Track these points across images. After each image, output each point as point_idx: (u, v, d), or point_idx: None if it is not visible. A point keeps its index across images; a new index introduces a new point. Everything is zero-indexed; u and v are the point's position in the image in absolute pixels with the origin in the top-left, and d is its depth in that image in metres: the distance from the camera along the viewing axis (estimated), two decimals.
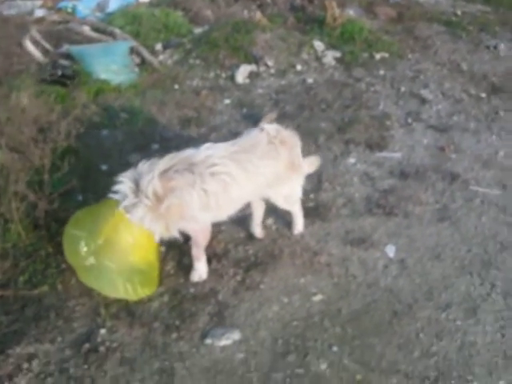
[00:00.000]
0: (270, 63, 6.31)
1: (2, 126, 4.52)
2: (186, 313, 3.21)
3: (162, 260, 3.56)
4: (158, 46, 6.69)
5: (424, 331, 3.08)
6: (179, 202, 3.06)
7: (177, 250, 3.63)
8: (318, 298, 3.29)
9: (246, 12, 7.62)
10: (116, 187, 3.12)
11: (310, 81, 6.05)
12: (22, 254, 3.54)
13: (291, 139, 3.51)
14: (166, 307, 3.26)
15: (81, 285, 3.29)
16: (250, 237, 3.78)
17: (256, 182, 3.30)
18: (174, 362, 2.92)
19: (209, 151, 3.21)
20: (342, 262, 3.56)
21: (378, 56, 6.64)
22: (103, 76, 5.68)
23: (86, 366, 2.90)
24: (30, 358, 2.95)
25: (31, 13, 7.33)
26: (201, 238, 3.38)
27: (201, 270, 3.43)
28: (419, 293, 3.33)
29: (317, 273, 3.47)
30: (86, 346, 3.01)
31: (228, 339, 3.02)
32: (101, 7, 7.56)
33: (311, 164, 3.84)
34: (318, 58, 6.52)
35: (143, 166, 3.13)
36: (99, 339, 3.06)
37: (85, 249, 3.22)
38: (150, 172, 3.06)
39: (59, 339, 3.05)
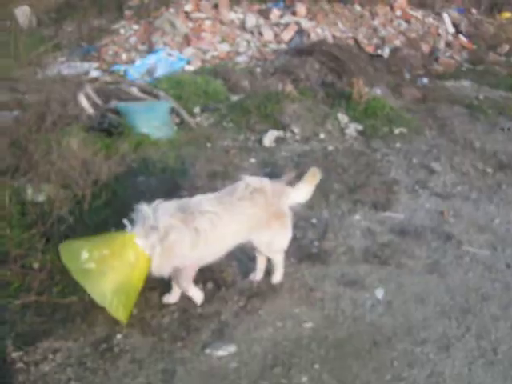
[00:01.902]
0: (296, 130, 6.95)
1: (53, 164, 5.23)
2: (191, 327, 3.69)
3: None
4: (197, 109, 7.43)
5: (398, 360, 3.48)
6: (177, 239, 3.57)
7: None
8: (308, 325, 3.73)
9: (280, 85, 8.33)
10: (135, 214, 3.66)
11: (330, 148, 6.64)
12: (58, 269, 4.09)
13: (273, 189, 3.93)
14: (175, 322, 3.75)
15: None
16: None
17: (238, 222, 3.77)
18: (176, 364, 3.39)
19: (201, 197, 3.81)
20: (334, 298, 4.00)
21: (397, 131, 7.22)
22: (144, 130, 6.38)
23: (101, 361, 3.40)
24: (55, 351, 3.46)
25: (87, 73, 8.20)
26: (189, 275, 3.79)
27: (197, 296, 3.86)
28: (400, 329, 3.73)
29: (310, 305, 3.92)
30: (103, 345, 3.52)
31: (225, 351, 3.48)
32: (150, 72, 8.40)
33: (309, 181, 4.19)
34: (341, 129, 7.14)
35: (157, 204, 3.69)
36: (115, 342, 3.56)
37: (86, 255, 3.46)
38: (163, 209, 3.63)
39: (81, 339, 3.56)
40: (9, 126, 6.24)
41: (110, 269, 3.48)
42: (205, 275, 4.12)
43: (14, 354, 3.41)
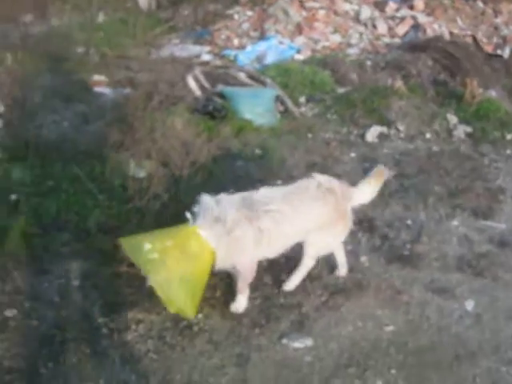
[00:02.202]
0: (401, 128, 6.75)
1: (155, 142, 5.41)
2: (271, 316, 3.70)
3: (263, 272, 4.10)
4: (302, 99, 7.39)
5: (481, 377, 3.30)
6: (241, 235, 3.53)
7: (276, 266, 4.15)
8: (389, 328, 3.63)
9: (389, 80, 8.11)
10: (197, 206, 3.60)
11: (435, 149, 6.39)
12: None
13: (341, 190, 3.86)
14: (256, 308, 3.77)
15: None
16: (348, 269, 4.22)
17: (304, 221, 3.71)
18: (251, 350, 3.41)
19: (266, 192, 3.72)
20: (420, 304, 3.86)
21: (509, 136, 6.83)
22: (247, 116, 6.44)
23: (179, 338, 3.48)
24: (138, 322, 3.58)
25: (199, 56, 8.39)
26: (248, 274, 3.70)
27: (241, 302, 3.73)
28: (486, 345, 3.54)
29: (395, 308, 3.81)
30: (184, 323, 3.60)
31: (301, 343, 3.46)
32: (259, 59, 8.45)
33: (379, 180, 4.09)
34: (449, 130, 6.85)
35: (221, 197, 3.64)
36: (195, 321, 3.62)
37: (149, 246, 3.43)
38: (228, 202, 3.60)
39: (164, 313, 3.63)
40: (119, 103, 6.54)
41: (173, 259, 3.43)
42: (290, 265, 4.11)
43: (100, 320, 3.57)
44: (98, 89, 7.15)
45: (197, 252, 3.48)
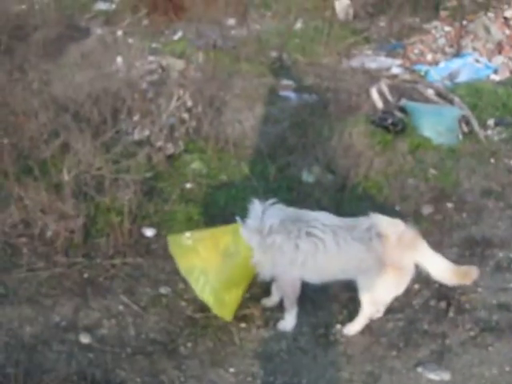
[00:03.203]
0: None
1: (329, 149, 5.49)
2: (411, 341, 3.58)
3: (412, 295, 3.97)
4: (490, 122, 6.93)
5: None
6: (277, 245, 3.44)
7: (427, 291, 3.99)
8: None
9: None
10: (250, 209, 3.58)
11: None
12: None
13: (400, 237, 3.46)
14: (397, 330, 3.68)
15: None
16: (504, 306, 3.91)
17: (344, 261, 3.46)
18: (383, 371, 3.33)
19: (318, 216, 3.55)
20: None
21: None
22: (427, 133, 6.21)
23: (314, 344, 3.53)
24: (276, 320, 3.69)
25: (389, 69, 8.28)
26: (289, 291, 3.60)
27: (288, 321, 3.64)
28: None
29: None
30: (321, 330, 3.65)
31: (437, 375, 3.29)
32: (451, 76, 8.10)
33: (460, 275, 3.56)
34: None
35: (273, 205, 3.58)
36: (333, 331, 3.66)
37: (188, 235, 3.57)
38: (278, 211, 3.55)
39: (304, 318, 3.71)
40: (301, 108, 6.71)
41: (205, 249, 3.47)
42: (441, 292, 3.93)
43: (247, 312, 3.72)
44: (284, 93, 7.37)
45: (231, 246, 3.49)
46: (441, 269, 3.53)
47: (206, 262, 3.47)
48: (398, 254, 3.45)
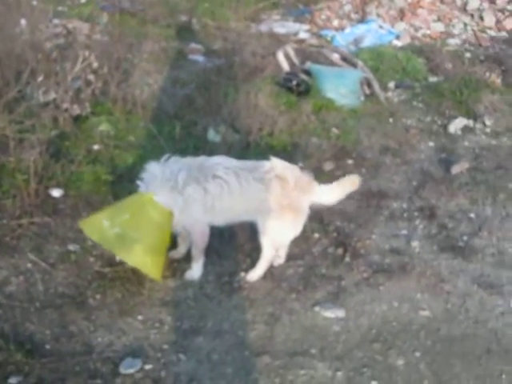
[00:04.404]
0: (487, 122, 6.53)
1: (235, 110, 5.63)
2: (310, 284, 3.83)
3: (312, 243, 4.23)
4: (391, 85, 7.30)
5: (508, 374, 3.25)
6: (192, 195, 3.58)
7: (324, 238, 4.26)
8: (424, 313, 3.64)
9: (487, 74, 7.84)
10: (145, 173, 3.66)
11: None
12: None
13: (297, 181, 3.69)
14: (297, 275, 3.93)
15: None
16: (395, 251, 4.25)
17: (246, 201, 3.65)
18: (283, 312, 3.56)
19: (219, 160, 3.72)
20: (462, 295, 3.83)
21: None
22: (331, 95, 6.47)
23: (219, 291, 3.72)
24: (183, 271, 3.85)
25: (297, 34, 8.48)
26: (199, 240, 3.75)
27: (195, 270, 3.79)
28: None
29: (435, 295, 3.81)
30: (226, 278, 3.83)
31: (332, 313, 3.56)
32: (356, 42, 8.40)
33: (345, 185, 3.90)
34: None
35: (169, 159, 3.66)
36: (237, 278, 3.84)
37: (108, 223, 3.53)
38: (179, 164, 3.64)
39: (209, 268, 3.88)
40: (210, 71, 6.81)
41: (135, 230, 3.53)
42: (338, 240, 4.22)
43: None
44: (193, 56, 7.43)
45: (156, 218, 3.57)
46: (330, 193, 3.85)
47: (142, 243, 3.53)
48: (296, 196, 3.69)
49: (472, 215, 4.77)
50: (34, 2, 7.79)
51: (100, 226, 3.55)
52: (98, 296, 3.57)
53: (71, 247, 3.98)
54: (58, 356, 3.10)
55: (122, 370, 3.05)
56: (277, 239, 3.81)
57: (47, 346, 3.18)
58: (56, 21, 7.17)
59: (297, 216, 3.74)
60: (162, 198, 3.58)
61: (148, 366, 3.09)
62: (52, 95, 5.23)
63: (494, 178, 5.38)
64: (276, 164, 3.73)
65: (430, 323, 3.57)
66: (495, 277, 4.06)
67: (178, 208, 3.60)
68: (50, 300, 3.51)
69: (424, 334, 3.48)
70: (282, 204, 3.66)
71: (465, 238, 4.46)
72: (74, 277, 3.72)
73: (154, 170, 3.64)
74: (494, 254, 4.31)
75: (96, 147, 5.11)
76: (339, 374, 3.14)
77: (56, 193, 4.45)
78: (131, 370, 3.04)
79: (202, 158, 3.76)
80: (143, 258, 3.52)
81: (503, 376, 3.25)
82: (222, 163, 3.69)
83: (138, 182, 3.67)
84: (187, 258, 3.88)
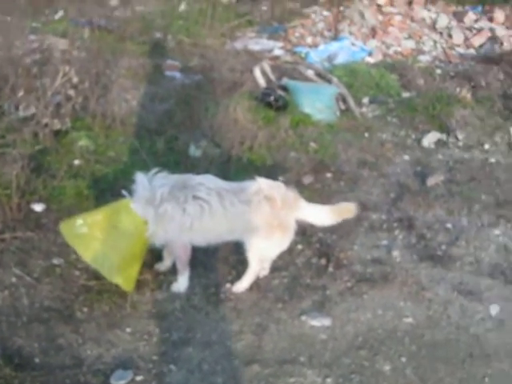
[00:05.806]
0: (460, 136, 6.72)
1: (215, 125, 5.69)
2: (295, 294, 3.88)
3: (296, 255, 4.29)
4: (365, 100, 7.47)
5: (491, 378, 3.34)
6: (169, 212, 3.59)
7: (308, 250, 4.33)
8: (408, 320, 3.72)
9: (458, 89, 8.06)
10: (134, 185, 3.68)
11: (491, 160, 6.32)
12: None
13: (284, 199, 3.71)
14: (282, 286, 3.97)
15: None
16: (377, 260, 4.33)
17: (232, 222, 3.66)
18: (270, 322, 3.60)
19: (203, 180, 3.72)
20: (443, 302, 3.92)
21: None
22: (307, 110, 6.59)
23: (206, 302, 3.74)
24: (170, 283, 3.86)
25: (271, 51, 8.62)
26: (181, 253, 3.77)
27: (181, 283, 3.80)
28: (503, 349, 3.57)
29: (417, 303, 3.89)
30: (212, 290, 3.86)
31: (319, 322, 3.62)
32: (330, 58, 8.58)
33: (340, 212, 3.94)
34: (510, 144, 6.76)
35: (157, 174, 3.70)
36: (223, 290, 3.88)
37: (80, 222, 3.57)
38: (164, 180, 3.68)
39: (195, 280, 3.91)
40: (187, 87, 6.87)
41: (102, 232, 3.53)
42: (321, 251, 4.29)
43: (141, 277, 3.82)
44: (170, 72, 7.49)
45: (127, 224, 3.58)
46: (322, 214, 3.87)
47: (106, 245, 3.53)
48: (284, 214, 3.71)
49: (449, 225, 4.89)
50: (8, 18, 7.82)
51: (73, 224, 3.59)
52: (85, 309, 3.57)
53: (55, 261, 3.97)
54: (48, 369, 3.09)
55: (113, 381, 3.05)
56: (264, 255, 3.86)
57: (36, 360, 3.17)
58: (32, 36, 7.17)
59: (285, 233, 3.77)
60: (137, 207, 3.59)
61: (139, 377, 3.10)
62: (32, 110, 5.22)
63: (469, 190, 5.53)
64: (263, 185, 3.74)
65: (413, 330, 3.65)
66: (474, 284, 4.17)
67: (151, 220, 3.61)
68: (36, 314, 3.50)
69: (409, 340, 3.56)
70: (271, 224, 3.68)
71: (443, 247, 4.57)
72: (59, 290, 3.71)
73: (139, 181, 3.67)
74: (471, 263, 4.43)
75: (77, 162, 5.12)
76: (328, 380, 3.20)
77: (38, 207, 4.44)
78: (122, 382, 3.05)
79: (187, 176, 3.76)
80: (102, 261, 3.51)
81: (486, 379, 3.34)
82: (205, 184, 3.68)
83: (123, 191, 3.69)
84: (173, 271, 3.90)
